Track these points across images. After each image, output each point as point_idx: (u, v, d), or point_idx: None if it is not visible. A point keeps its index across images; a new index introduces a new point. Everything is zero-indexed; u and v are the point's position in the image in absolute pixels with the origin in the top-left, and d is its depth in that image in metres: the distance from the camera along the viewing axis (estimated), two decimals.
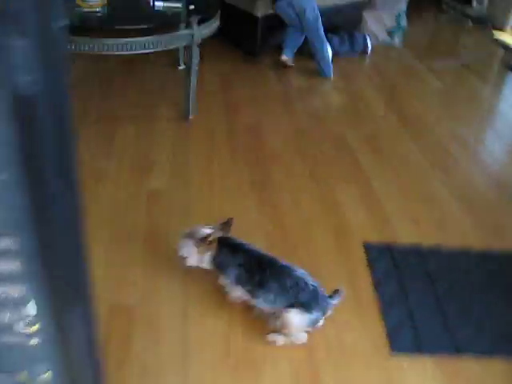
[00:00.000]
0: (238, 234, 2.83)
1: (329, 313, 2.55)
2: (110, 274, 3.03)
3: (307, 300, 2.43)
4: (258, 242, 2.92)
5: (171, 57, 5.24)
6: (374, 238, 3.45)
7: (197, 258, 2.69)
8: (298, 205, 3.68)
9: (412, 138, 4.58)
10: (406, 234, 3.51)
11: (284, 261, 2.61)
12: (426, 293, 3.11)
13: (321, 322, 2.54)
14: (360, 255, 3.30)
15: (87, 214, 1.11)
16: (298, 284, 2.44)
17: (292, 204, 3.68)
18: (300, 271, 2.53)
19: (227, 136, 4.42)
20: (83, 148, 4.05)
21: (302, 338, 2.53)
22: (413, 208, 3.75)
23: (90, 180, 3.74)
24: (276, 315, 2.50)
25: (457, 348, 2.78)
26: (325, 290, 2.61)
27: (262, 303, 2.52)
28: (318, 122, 4.75)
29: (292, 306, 2.42)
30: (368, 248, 3.40)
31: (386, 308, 2.96)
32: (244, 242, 2.73)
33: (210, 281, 2.84)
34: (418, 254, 3.40)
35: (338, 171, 4.08)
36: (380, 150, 4.39)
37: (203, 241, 2.61)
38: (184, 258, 2.69)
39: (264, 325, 2.67)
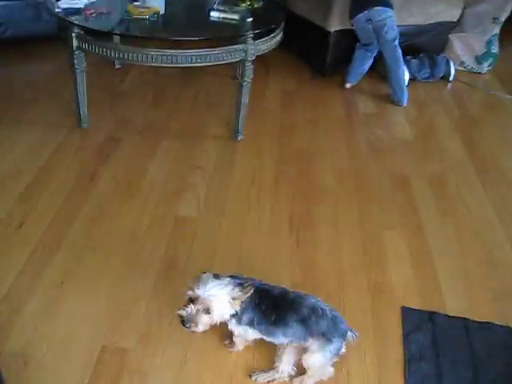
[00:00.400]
0: (263, 279, 2.49)
1: (349, 337, 2.35)
2: (112, 309, 2.79)
3: (327, 328, 2.25)
4: None
5: (233, 68, 4.94)
6: (416, 302, 2.98)
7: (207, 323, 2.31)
8: (338, 251, 3.27)
9: (485, 186, 4.01)
10: (455, 303, 3.03)
11: (292, 289, 2.40)
12: (466, 381, 2.61)
13: (343, 350, 2.36)
14: (396, 321, 2.84)
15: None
16: (314, 311, 2.26)
17: (331, 250, 3.29)
18: (312, 298, 2.33)
19: (275, 162, 4.07)
20: (121, 159, 3.85)
21: (329, 372, 2.40)
22: (470, 272, 3.24)
23: (119, 195, 3.53)
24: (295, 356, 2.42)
25: None
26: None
27: (282, 338, 2.34)
28: (379, 155, 4.29)
29: (311, 335, 2.25)
30: (406, 314, 2.93)
31: None
32: (251, 279, 2.40)
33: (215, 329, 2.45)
34: (465, 329, 2.89)
35: (390, 217, 3.63)
36: (444, 196, 3.88)
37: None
38: (189, 324, 2.23)
39: None
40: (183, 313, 2.20)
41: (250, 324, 2.35)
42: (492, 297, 3.10)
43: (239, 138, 4.20)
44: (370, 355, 2.65)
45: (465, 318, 2.94)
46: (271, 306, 2.29)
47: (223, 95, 4.87)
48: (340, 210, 3.65)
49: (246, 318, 2.33)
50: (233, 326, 2.39)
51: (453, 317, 2.96)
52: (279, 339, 2.34)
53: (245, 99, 4.00)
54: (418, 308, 2.99)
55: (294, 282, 3.00)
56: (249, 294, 2.22)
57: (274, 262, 3.17)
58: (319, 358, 2.26)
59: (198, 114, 4.63)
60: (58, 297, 2.82)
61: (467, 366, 2.71)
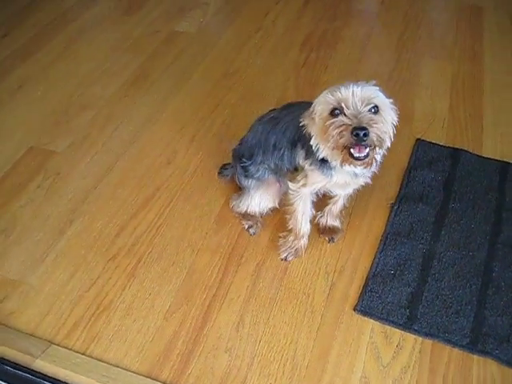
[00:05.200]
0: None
1: None
2: (53, 115, 2.41)
3: None
4: None
5: None
6: (441, 138, 2.26)
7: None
8: (353, 75, 2.50)
9: None
10: (498, 145, 2.27)
11: None
12: (481, 233, 1.88)
13: None
14: (405, 155, 2.14)
15: None
16: None
17: (345, 74, 2.56)
18: None
19: None
20: None
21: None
22: None
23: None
24: None
25: None
26: None
27: None
28: None
29: None
30: (420, 147, 2.18)
31: None
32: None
33: None
34: (501, 174, 2.09)
35: (441, 46, 2.82)
36: None
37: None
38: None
39: None
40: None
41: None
42: None
43: None
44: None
45: (506, 162, 2.11)
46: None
47: None
48: (376, 31, 2.83)
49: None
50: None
51: (488, 158, 2.14)
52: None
53: None
54: (440, 143, 2.19)
55: (280, 101, 2.32)
56: None
57: (267, 80, 2.50)
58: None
59: None
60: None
61: (486, 218, 1.92)
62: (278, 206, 1.86)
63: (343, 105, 1.34)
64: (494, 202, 1.97)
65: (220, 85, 2.50)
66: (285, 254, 1.81)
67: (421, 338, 1.60)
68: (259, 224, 1.90)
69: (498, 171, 2.08)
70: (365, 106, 1.34)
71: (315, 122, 1.43)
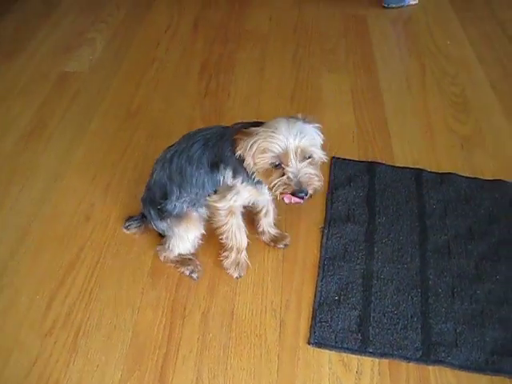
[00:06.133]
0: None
1: None
2: None
3: None
4: None
5: None
6: (354, 154, 2.33)
7: None
8: (256, 97, 2.53)
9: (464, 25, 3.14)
10: (408, 153, 2.38)
11: None
12: (408, 243, 1.94)
13: None
14: (323, 175, 2.14)
15: None
16: None
17: (248, 97, 2.63)
18: None
19: (200, 6, 3.22)
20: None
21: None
22: (432, 116, 2.56)
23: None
24: None
25: None
26: None
27: None
28: None
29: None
30: (336, 166, 2.22)
31: None
32: None
33: None
34: (417, 181, 2.20)
35: (336, 59, 2.92)
36: (410, 35, 3.02)
37: None
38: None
39: None
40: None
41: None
42: (457, 144, 2.35)
43: None
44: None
45: (419, 169, 2.21)
46: None
47: None
48: (270, 51, 2.86)
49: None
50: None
51: (401, 167, 2.23)
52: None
53: None
54: (354, 159, 2.25)
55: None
56: None
57: (172, 113, 2.45)
58: None
59: None
60: None
61: (411, 228, 2.00)
62: (204, 232, 1.83)
63: (283, 161, 1.44)
64: (416, 210, 2.06)
65: (125, 125, 2.42)
66: (236, 273, 1.83)
67: (377, 360, 1.64)
68: (199, 267, 1.86)
69: (413, 179, 2.18)
70: (303, 160, 1.44)
71: (254, 163, 1.48)
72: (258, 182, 1.60)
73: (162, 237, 1.87)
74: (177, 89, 2.62)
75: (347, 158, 2.27)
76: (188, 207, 1.75)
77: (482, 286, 1.82)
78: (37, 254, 1.91)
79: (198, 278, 1.84)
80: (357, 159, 2.27)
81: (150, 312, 1.75)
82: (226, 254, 1.83)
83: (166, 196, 1.72)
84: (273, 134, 1.43)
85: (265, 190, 1.63)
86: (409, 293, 1.80)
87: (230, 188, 1.65)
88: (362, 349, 1.65)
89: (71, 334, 1.70)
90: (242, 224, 1.78)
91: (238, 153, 1.51)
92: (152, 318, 1.74)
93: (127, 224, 1.94)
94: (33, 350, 1.66)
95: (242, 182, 1.62)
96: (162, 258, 1.86)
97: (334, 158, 2.26)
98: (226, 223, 1.74)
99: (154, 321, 1.74)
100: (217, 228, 1.77)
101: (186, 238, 1.79)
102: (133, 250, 1.93)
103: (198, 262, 1.87)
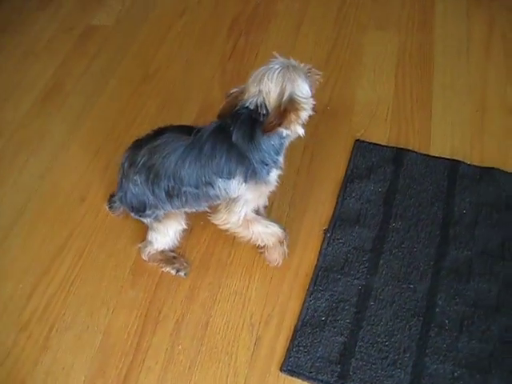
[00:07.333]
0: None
1: None
2: None
3: None
4: None
5: None
6: (384, 137, 2.02)
7: None
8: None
9: None
10: (448, 142, 2.03)
11: None
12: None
13: None
14: (343, 159, 1.92)
15: None
16: None
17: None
18: None
19: None
20: None
21: None
22: (484, 105, 2.11)
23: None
24: None
25: None
26: None
27: None
28: None
29: None
30: (359, 150, 1.94)
31: None
32: None
33: None
34: (451, 175, 1.86)
35: (387, 13, 2.50)
36: None
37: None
38: None
39: None
40: None
41: None
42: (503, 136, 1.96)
43: None
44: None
45: (456, 161, 1.87)
46: None
47: None
48: (313, 2, 2.50)
49: None
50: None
51: (436, 157, 1.90)
52: None
53: None
54: (381, 143, 1.95)
55: (203, 105, 2.09)
56: None
57: (189, 79, 2.25)
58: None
59: None
60: None
61: (430, 238, 1.71)
62: (186, 226, 1.68)
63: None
64: (441, 215, 1.76)
65: (140, 90, 2.26)
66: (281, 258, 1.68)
67: None
68: (185, 263, 1.73)
69: (446, 173, 1.86)
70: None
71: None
72: (263, 169, 1.45)
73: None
74: (201, 48, 2.39)
75: (373, 141, 1.96)
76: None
77: (499, 321, 1.53)
78: (28, 237, 1.87)
79: (186, 275, 1.72)
80: (385, 143, 1.95)
81: (124, 313, 1.67)
82: (267, 253, 1.68)
83: (145, 208, 1.59)
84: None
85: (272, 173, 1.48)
86: (408, 321, 1.56)
87: (233, 200, 1.51)
88: None
89: (45, 329, 1.66)
90: (258, 216, 1.60)
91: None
92: (125, 321, 1.65)
93: (110, 204, 1.82)
94: (7, 343, 1.63)
95: (247, 182, 1.46)
96: (144, 257, 1.74)
97: (357, 141, 1.96)
98: (247, 233, 1.58)
99: (127, 324, 1.65)
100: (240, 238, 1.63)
101: (165, 232, 1.66)
102: (121, 239, 1.83)
103: (183, 259, 1.74)
